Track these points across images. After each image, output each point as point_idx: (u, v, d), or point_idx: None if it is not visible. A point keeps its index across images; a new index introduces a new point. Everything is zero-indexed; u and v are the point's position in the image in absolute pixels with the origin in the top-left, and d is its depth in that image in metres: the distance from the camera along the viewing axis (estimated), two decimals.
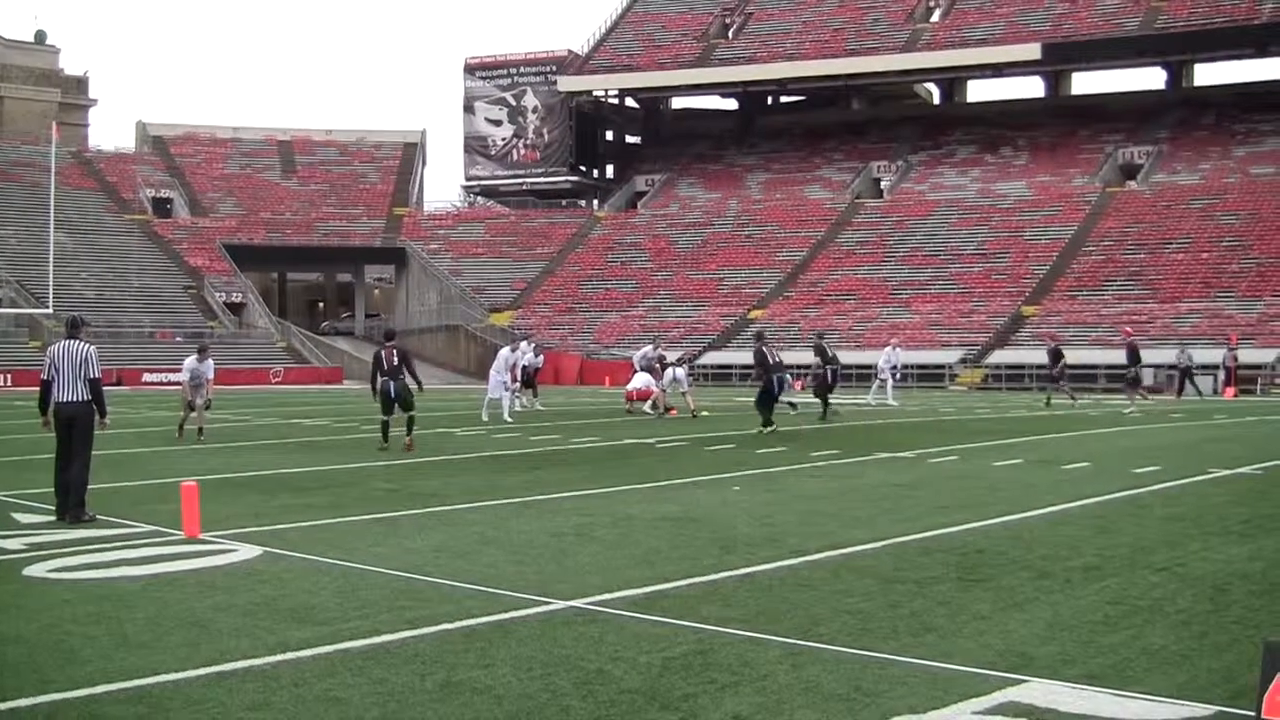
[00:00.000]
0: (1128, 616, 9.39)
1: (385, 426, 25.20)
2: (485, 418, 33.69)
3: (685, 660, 8.13)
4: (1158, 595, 10.16)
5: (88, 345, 15.00)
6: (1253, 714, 6.05)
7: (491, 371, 35.18)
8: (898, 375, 45.22)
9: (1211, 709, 6.99)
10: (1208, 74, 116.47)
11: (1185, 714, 6.94)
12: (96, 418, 14.92)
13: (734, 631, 8.91)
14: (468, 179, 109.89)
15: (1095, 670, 7.81)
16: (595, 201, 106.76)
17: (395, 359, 25.06)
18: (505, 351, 35.87)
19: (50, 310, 68.62)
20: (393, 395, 24.91)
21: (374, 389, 25.35)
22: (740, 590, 10.50)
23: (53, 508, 14.81)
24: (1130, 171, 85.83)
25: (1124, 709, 7.04)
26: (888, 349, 44.93)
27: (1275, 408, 41.63)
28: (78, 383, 14.71)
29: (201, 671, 7.98)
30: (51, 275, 69.77)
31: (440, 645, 8.66)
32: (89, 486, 14.90)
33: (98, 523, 14.46)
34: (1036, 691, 7.33)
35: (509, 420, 33.20)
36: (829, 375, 34.62)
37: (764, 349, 30.08)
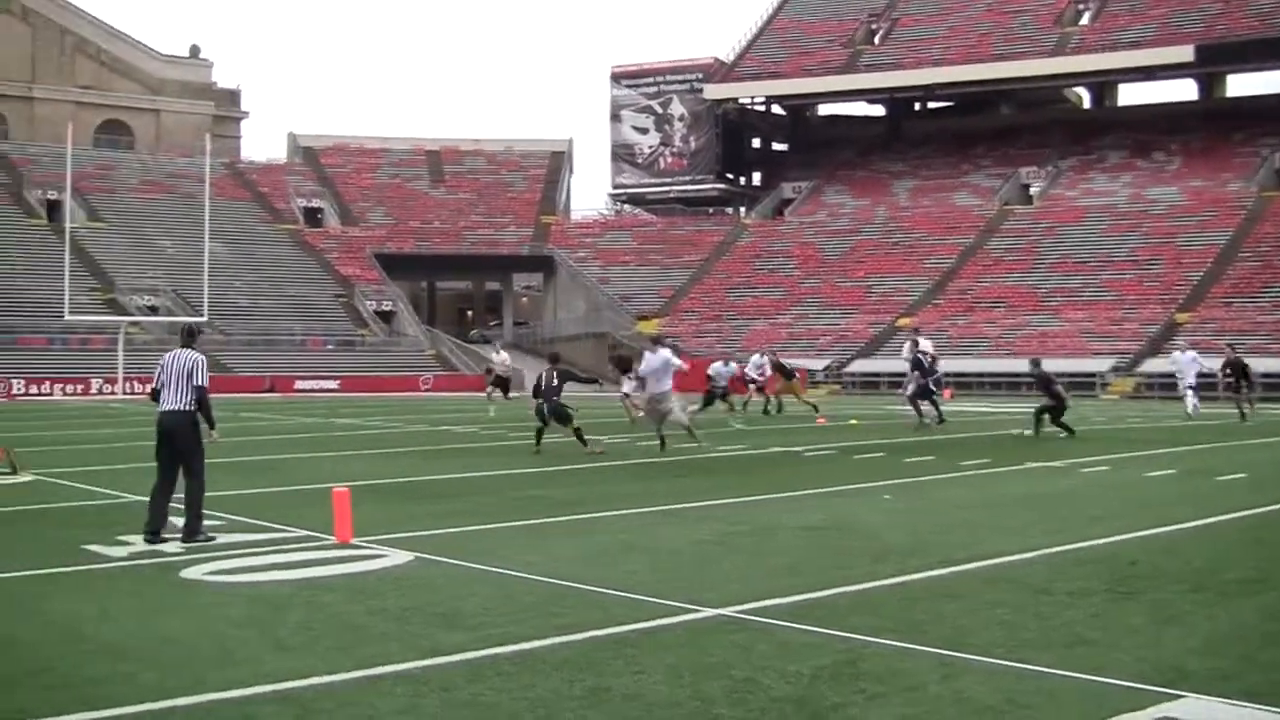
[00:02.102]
0: None
1: (539, 432, 26.39)
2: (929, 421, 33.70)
3: (834, 670, 8.09)
4: None
5: (197, 354, 14.34)
6: None
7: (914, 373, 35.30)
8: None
9: None
10: None
11: None
12: (204, 429, 14.23)
13: (883, 641, 8.85)
14: (614, 187, 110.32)
15: (1254, 687, 7.63)
16: (742, 209, 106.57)
17: (555, 380, 26.34)
18: (918, 342, 36.21)
19: (205, 318, 69.76)
20: (546, 414, 26.06)
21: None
22: (889, 600, 10.44)
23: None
24: None
25: None
26: (1190, 354, 42.19)
27: None
28: (181, 392, 13.99)
29: (352, 675, 8.07)
30: (206, 284, 70.99)
31: (588, 652, 8.68)
32: (205, 497, 14.18)
33: (251, 527, 14.65)
34: (1193, 707, 7.19)
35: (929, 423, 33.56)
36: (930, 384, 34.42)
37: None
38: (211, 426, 14.25)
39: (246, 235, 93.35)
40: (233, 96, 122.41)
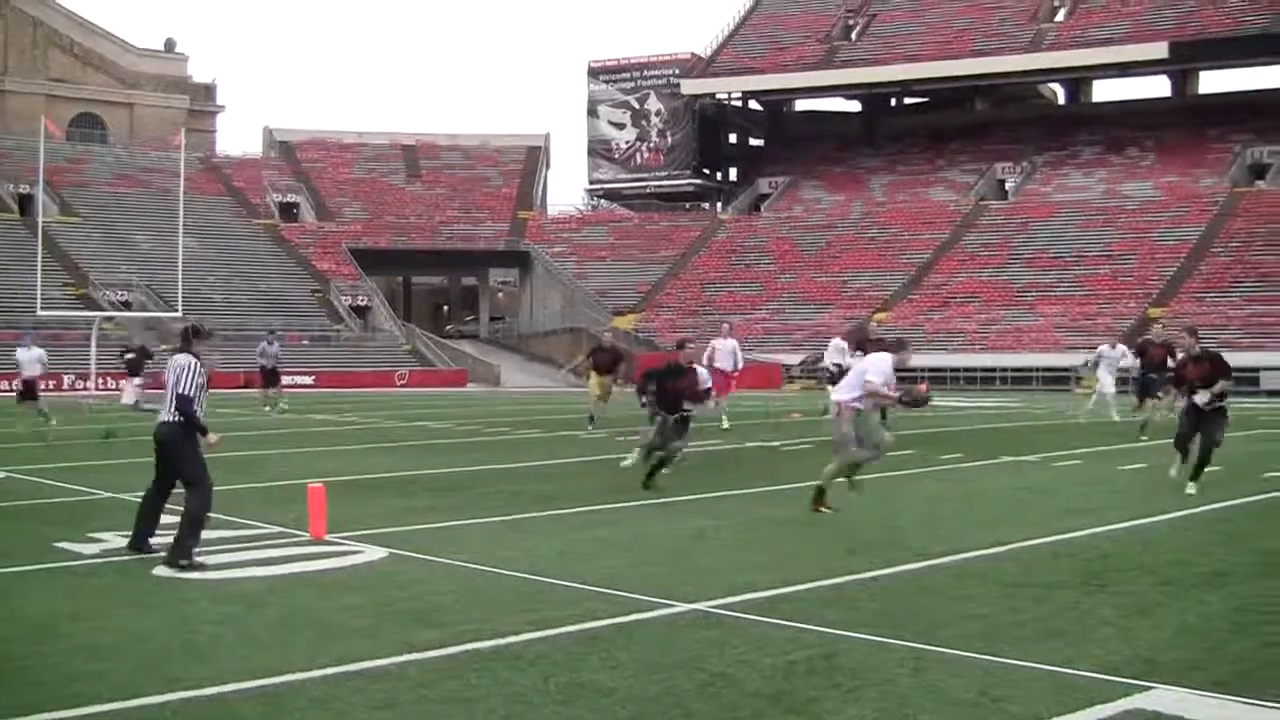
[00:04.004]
0: (1256, 624, 9.27)
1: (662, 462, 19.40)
2: (1116, 417, 33.66)
3: (809, 664, 8.12)
4: None
5: (186, 358, 12.79)
6: None
7: (1102, 370, 35.25)
8: None
9: None
10: None
11: None
12: (198, 437, 12.70)
13: (858, 635, 8.90)
14: (591, 182, 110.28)
15: (1223, 677, 7.72)
16: (719, 204, 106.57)
17: None
18: (1106, 349, 36.01)
19: (179, 314, 69.41)
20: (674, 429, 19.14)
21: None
22: (864, 594, 10.49)
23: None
24: (1259, 171, 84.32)
25: (1254, 717, 6.95)
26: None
27: None
28: (170, 402, 12.65)
29: (328, 671, 8.08)
30: (180, 279, 70.61)
31: (564, 647, 8.71)
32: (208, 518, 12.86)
33: (226, 524, 14.59)
34: (1164, 698, 7.26)
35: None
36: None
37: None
38: (203, 434, 12.81)
39: (221, 230, 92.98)
40: (208, 90, 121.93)
